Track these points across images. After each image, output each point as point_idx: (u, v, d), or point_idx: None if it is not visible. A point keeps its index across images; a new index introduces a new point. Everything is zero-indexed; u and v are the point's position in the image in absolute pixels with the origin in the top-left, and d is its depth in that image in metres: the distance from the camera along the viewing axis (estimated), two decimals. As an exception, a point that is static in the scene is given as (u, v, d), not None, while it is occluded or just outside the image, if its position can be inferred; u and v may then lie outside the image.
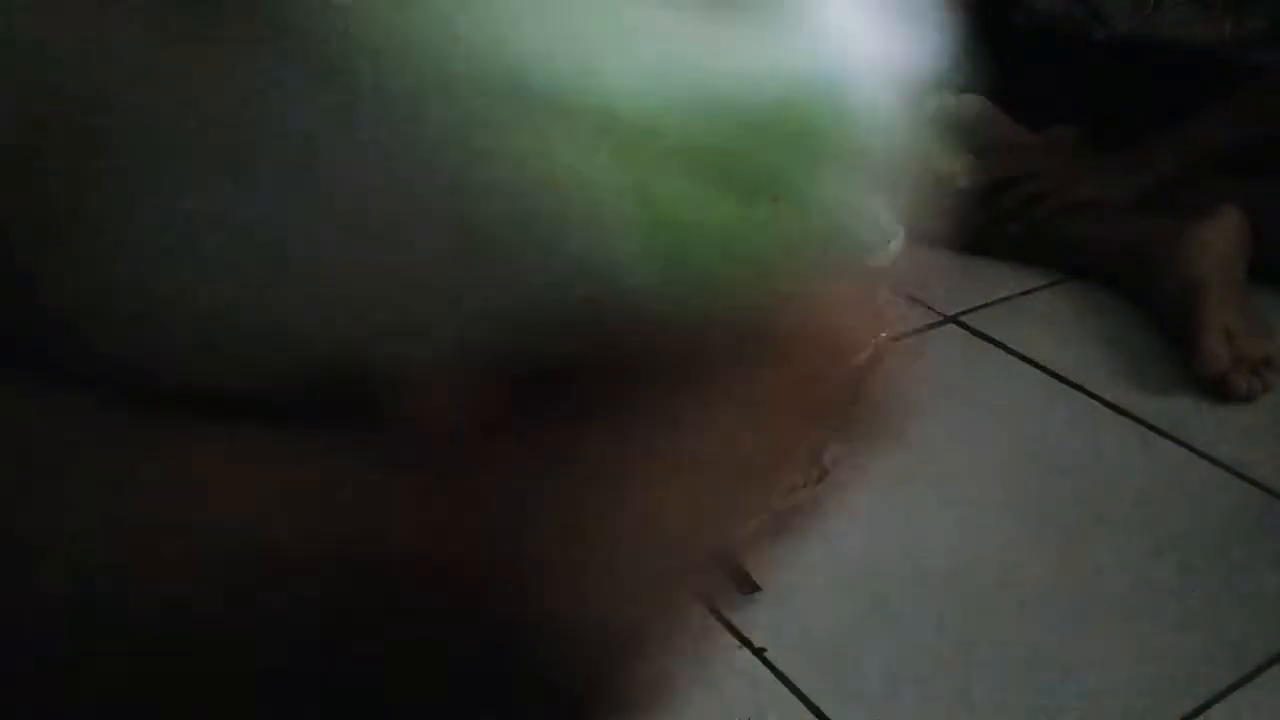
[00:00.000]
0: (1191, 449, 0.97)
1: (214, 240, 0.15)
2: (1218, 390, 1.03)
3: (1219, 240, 1.10)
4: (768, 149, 0.17)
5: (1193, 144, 1.21)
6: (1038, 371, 1.07)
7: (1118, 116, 1.25)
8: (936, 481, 0.92)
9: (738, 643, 0.77)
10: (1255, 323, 1.07)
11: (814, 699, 0.73)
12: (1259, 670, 0.77)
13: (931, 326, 1.13)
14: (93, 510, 0.16)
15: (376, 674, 0.17)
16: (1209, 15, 1.28)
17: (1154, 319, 1.13)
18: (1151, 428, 1.00)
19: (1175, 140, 1.21)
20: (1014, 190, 1.21)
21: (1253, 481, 0.94)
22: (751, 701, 0.73)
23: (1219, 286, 1.06)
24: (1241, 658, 0.78)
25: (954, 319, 1.15)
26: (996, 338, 1.12)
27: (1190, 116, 1.21)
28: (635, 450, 0.18)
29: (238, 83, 0.15)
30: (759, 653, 0.76)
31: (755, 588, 0.79)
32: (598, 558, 0.18)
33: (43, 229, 0.16)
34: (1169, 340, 1.09)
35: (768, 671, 0.75)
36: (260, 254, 0.15)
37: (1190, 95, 1.21)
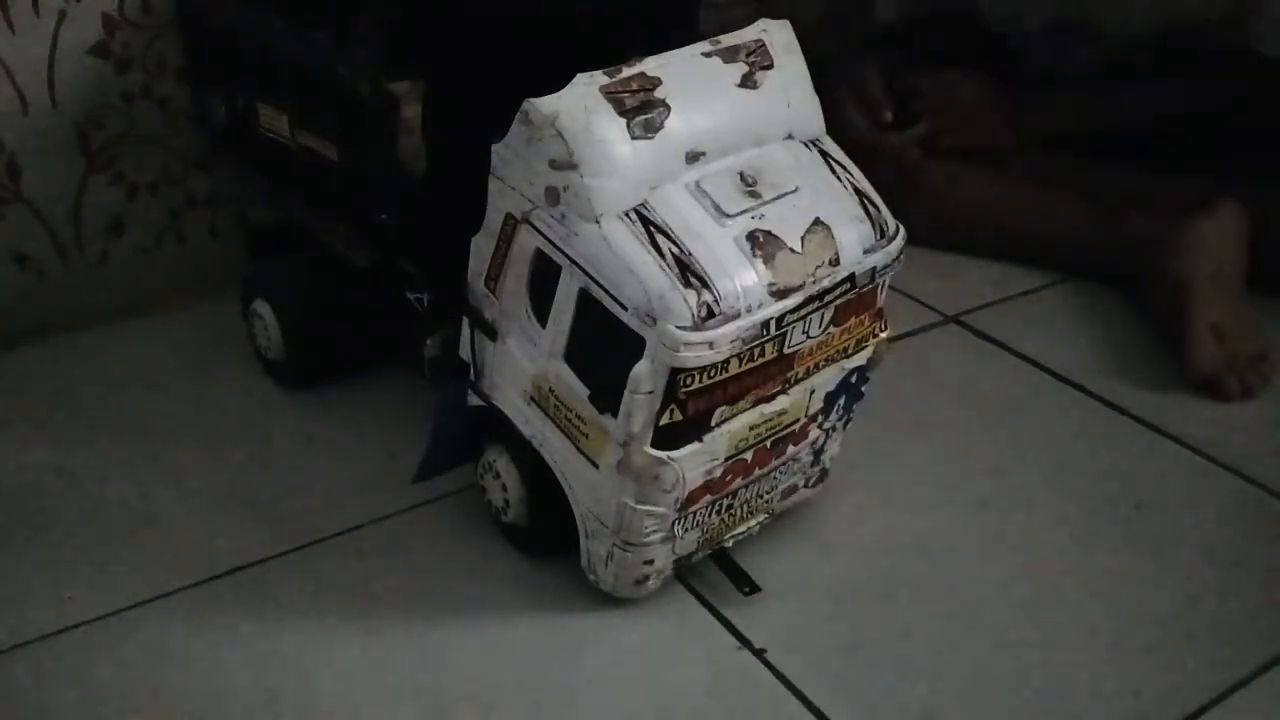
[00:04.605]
0: (1192, 449, 0.97)
1: None
2: (1209, 392, 1.02)
3: (1212, 238, 1.09)
4: None
5: (1092, 112, 1.26)
6: (1038, 371, 1.07)
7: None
8: (936, 480, 0.92)
9: (738, 643, 0.77)
10: (1247, 320, 1.07)
11: (814, 699, 0.73)
12: (1259, 670, 0.77)
13: (931, 326, 1.13)
14: None
15: None
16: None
17: (1149, 318, 1.13)
18: (1152, 427, 1.00)
19: (1079, 103, 1.26)
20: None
21: (1253, 481, 0.94)
22: (751, 701, 0.73)
23: (1208, 285, 1.06)
24: (1242, 658, 0.78)
25: (954, 319, 1.15)
26: (996, 338, 1.12)
27: (1099, 85, 1.27)
28: None
29: None
30: (759, 653, 0.76)
31: (755, 588, 0.79)
32: None
33: None
34: (1164, 339, 1.09)
35: (768, 671, 0.75)
36: None
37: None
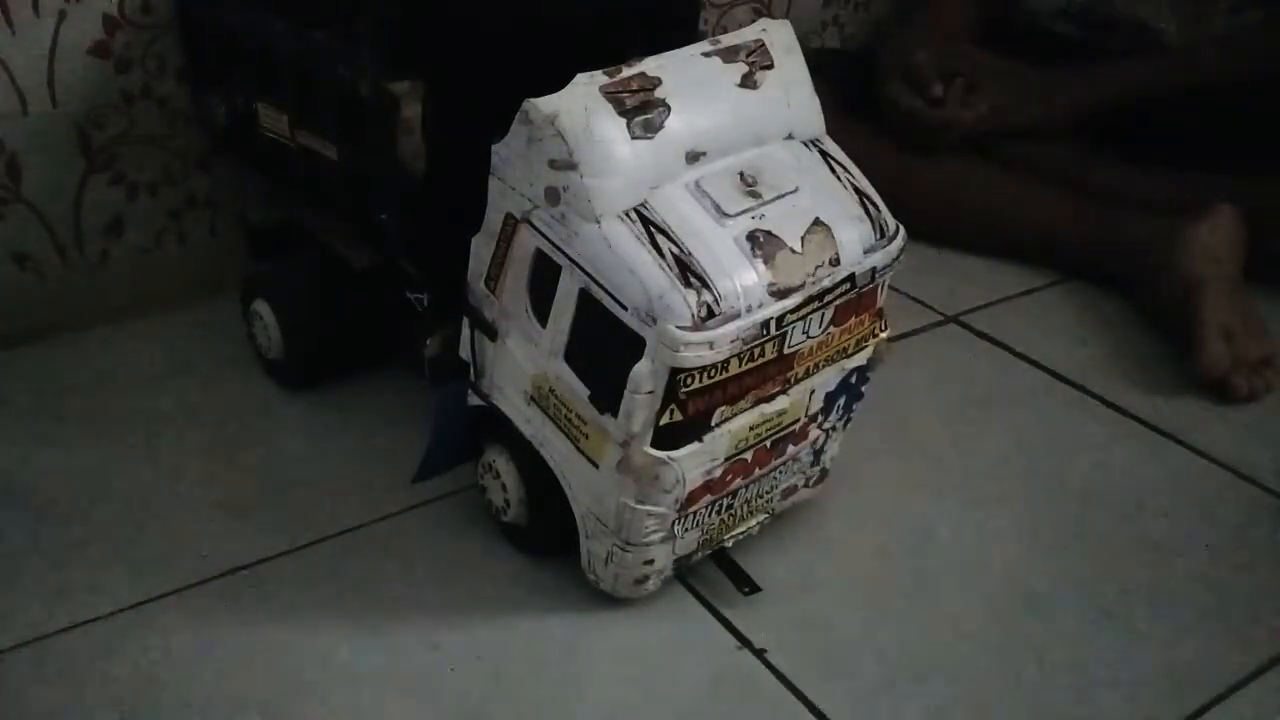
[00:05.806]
0: (1193, 449, 0.97)
1: None
2: (1218, 392, 1.03)
3: (1215, 240, 1.09)
4: None
5: (1115, 85, 1.24)
6: (1038, 371, 1.07)
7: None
8: (936, 480, 0.92)
9: (738, 643, 0.77)
10: (1253, 322, 1.07)
11: (814, 699, 0.73)
12: (1259, 670, 0.77)
13: (931, 326, 1.13)
14: None
15: None
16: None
17: (1152, 319, 1.13)
18: (1152, 428, 1.00)
19: (1098, 77, 1.24)
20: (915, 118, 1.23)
21: (1254, 482, 0.94)
22: (751, 701, 0.73)
23: (1216, 287, 1.06)
24: (1242, 658, 0.78)
25: (954, 319, 1.15)
26: (997, 338, 1.12)
27: (1123, 61, 1.25)
28: None
29: None
30: (759, 653, 0.76)
31: (755, 588, 0.79)
32: None
33: None
34: (1169, 340, 1.09)
35: (768, 671, 0.75)
36: None
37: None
